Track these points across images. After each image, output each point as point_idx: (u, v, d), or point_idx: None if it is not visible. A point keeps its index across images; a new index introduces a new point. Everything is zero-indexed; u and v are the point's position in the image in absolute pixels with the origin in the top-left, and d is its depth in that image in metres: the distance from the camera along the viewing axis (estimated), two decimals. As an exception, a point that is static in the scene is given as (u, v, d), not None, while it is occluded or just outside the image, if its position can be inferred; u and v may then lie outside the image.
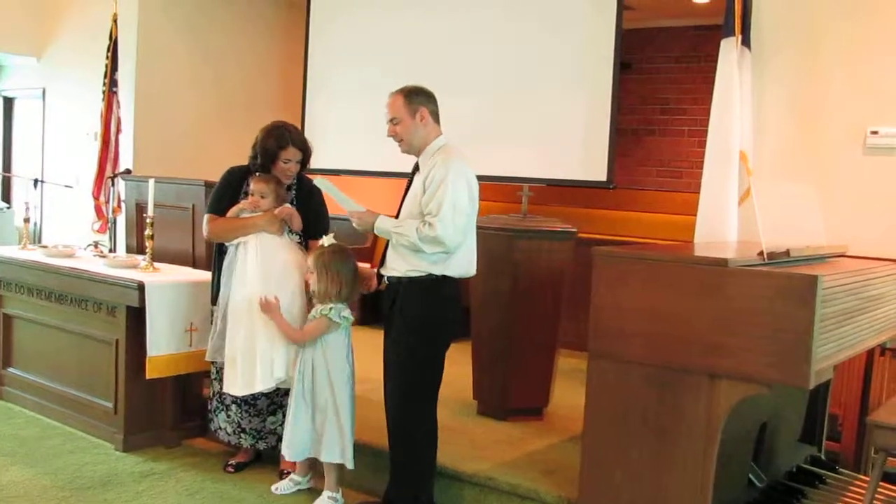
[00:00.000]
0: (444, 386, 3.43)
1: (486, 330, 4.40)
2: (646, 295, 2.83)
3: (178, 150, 6.93)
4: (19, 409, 4.83)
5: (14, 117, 8.68)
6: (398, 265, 3.35)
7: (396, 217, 3.43)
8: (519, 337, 4.29)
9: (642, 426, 2.87)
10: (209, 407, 4.09)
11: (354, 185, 5.66)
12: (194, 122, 7.19)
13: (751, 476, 3.41)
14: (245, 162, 3.96)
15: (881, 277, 3.29)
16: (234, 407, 3.92)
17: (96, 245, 5.21)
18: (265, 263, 3.72)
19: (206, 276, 4.16)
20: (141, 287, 4.06)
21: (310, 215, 3.89)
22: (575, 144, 5.41)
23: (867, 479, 3.55)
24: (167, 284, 4.17)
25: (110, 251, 5.61)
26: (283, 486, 3.79)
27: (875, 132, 4.09)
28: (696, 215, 4.28)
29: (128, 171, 6.25)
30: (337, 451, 3.54)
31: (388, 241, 3.43)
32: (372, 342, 3.81)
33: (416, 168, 3.45)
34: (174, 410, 4.33)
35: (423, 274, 3.31)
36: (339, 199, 3.50)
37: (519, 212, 4.59)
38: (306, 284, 3.64)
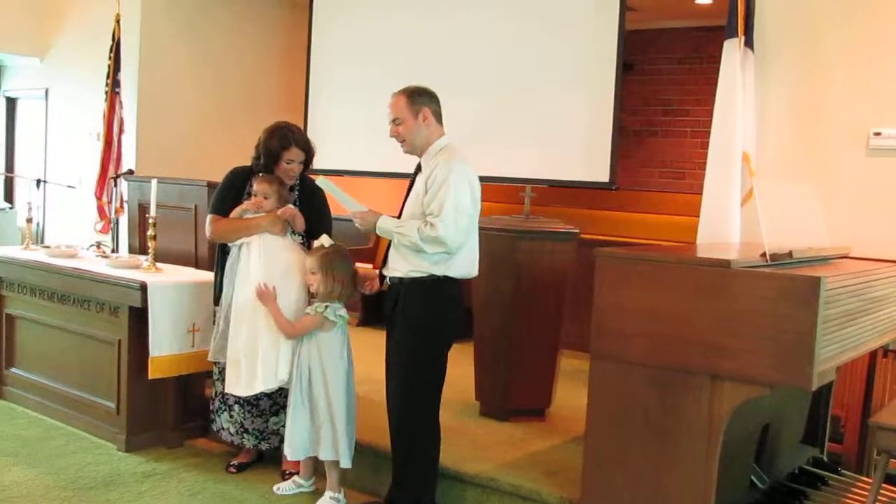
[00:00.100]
0: (447, 386, 3.43)
1: (489, 331, 4.40)
2: (648, 296, 2.83)
3: (180, 151, 6.94)
4: (22, 409, 4.83)
5: (17, 118, 8.70)
6: (400, 266, 3.36)
7: (398, 217, 3.43)
8: (521, 338, 4.29)
9: (644, 427, 2.87)
10: (211, 407, 4.09)
11: (356, 186, 5.66)
12: (197, 122, 7.20)
13: (753, 477, 3.41)
14: (248, 162, 3.96)
15: (884, 279, 3.28)
16: (237, 407, 3.92)
17: (99, 245, 5.22)
18: (268, 264, 3.72)
19: (209, 276, 4.16)
20: (143, 287, 4.07)
21: (312, 216, 3.89)
22: (577, 145, 5.40)
23: (870, 480, 3.54)
24: (170, 285, 4.18)
25: (113, 251, 5.62)
26: (285, 487, 3.79)
27: (878, 133, 4.09)
28: (698, 216, 4.28)
29: (130, 172, 6.26)
30: (331, 448, 3.55)
31: (390, 242, 3.43)
32: (374, 343, 3.81)
33: (419, 168, 3.45)
34: (176, 411, 4.33)
35: (425, 274, 3.31)
36: (340, 199, 3.50)
37: (521, 213, 4.60)
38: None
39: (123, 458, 4.13)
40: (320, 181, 3.65)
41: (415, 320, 3.33)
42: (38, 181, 6.38)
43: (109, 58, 6.48)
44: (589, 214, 6.53)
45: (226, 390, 3.81)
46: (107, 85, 6.49)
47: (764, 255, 2.84)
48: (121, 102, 6.51)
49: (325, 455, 3.57)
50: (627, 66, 6.64)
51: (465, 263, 3.38)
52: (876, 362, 3.92)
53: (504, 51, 5.83)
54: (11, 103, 8.67)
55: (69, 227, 7.35)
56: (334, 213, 3.99)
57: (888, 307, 3.30)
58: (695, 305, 2.73)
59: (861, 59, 4.14)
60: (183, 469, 4.02)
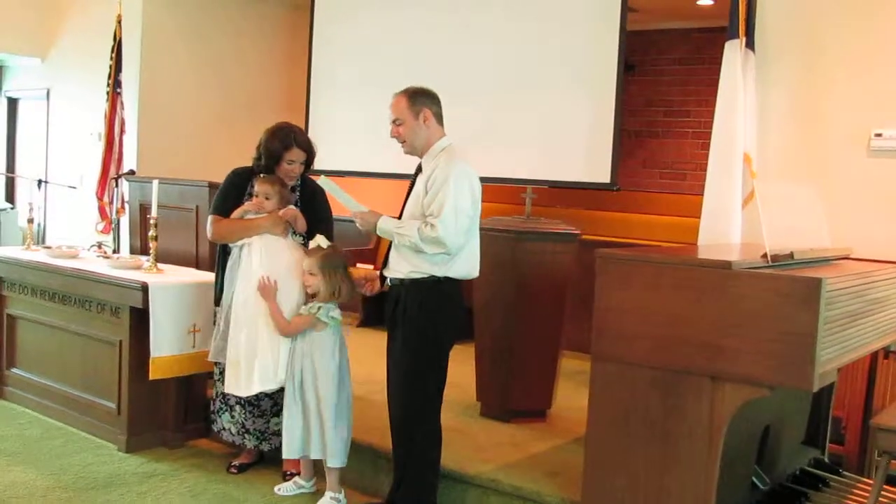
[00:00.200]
0: (448, 388, 3.43)
1: (490, 332, 4.40)
2: (649, 297, 2.83)
3: (181, 151, 6.95)
4: (23, 409, 4.84)
5: (18, 118, 8.71)
6: (401, 267, 3.36)
7: (399, 218, 3.43)
8: (522, 339, 4.29)
9: (645, 428, 2.87)
10: (212, 408, 4.10)
11: (357, 186, 5.66)
12: (198, 123, 7.20)
13: (754, 478, 3.41)
14: (249, 163, 3.96)
15: (885, 280, 3.28)
16: (238, 408, 3.93)
17: (100, 246, 5.22)
18: (269, 265, 3.71)
19: (210, 277, 4.16)
20: (144, 288, 4.07)
21: (314, 216, 3.89)
22: (578, 146, 5.40)
23: (871, 482, 3.54)
24: (171, 285, 4.18)
25: (114, 252, 5.62)
26: (286, 488, 3.79)
27: (879, 134, 4.08)
28: (699, 218, 4.28)
29: (131, 172, 6.26)
30: (320, 447, 3.56)
31: (391, 243, 3.43)
32: (375, 344, 3.81)
33: (419, 169, 3.45)
34: (177, 411, 4.33)
35: (426, 275, 3.31)
36: (341, 199, 3.50)
37: (522, 213, 4.60)
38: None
39: (124, 458, 4.13)
40: (321, 180, 3.65)
41: (416, 321, 3.33)
42: (40, 181, 6.38)
43: (111, 58, 6.49)
44: (590, 215, 6.53)
45: (225, 390, 3.81)
46: (108, 85, 6.50)
47: (765, 256, 2.83)
48: (122, 103, 6.51)
49: (315, 454, 3.59)
50: (629, 67, 6.65)
51: (465, 264, 3.37)
52: (877, 364, 3.91)
53: (505, 51, 5.83)
54: (13, 103, 8.68)
55: (70, 228, 7.35)
56: (335, 213, 3.99)
57: (889, 308, 3.30)
58: (696, 306, 2.73)
59: (862, 60, 4.14)
60: (184, 470, 4.02)
